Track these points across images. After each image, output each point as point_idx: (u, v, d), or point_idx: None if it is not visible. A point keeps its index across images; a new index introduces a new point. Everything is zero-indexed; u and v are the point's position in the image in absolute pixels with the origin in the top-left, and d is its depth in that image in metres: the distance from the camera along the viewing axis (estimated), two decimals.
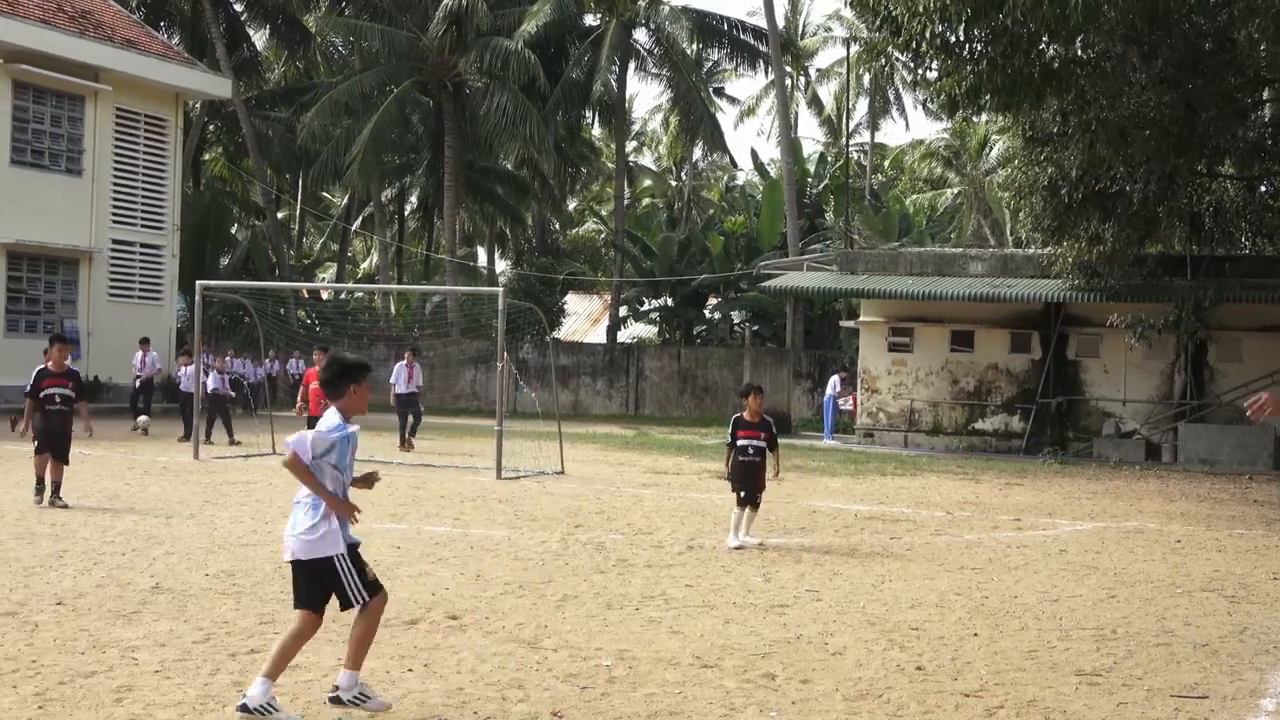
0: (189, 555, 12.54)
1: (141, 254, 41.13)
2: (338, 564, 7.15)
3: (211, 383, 28.99)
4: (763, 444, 14.53)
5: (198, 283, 26.49)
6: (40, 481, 16.16)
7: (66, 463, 16.39)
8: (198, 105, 51.82)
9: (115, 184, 40.11)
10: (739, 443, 14.54)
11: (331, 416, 7.28)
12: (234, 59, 52.35)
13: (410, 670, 8.29)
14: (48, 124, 38.35)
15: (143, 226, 41.13)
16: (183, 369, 30.08)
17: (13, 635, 8.85)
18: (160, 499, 17.33)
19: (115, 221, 40.16)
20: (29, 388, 16.26)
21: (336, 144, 52.16)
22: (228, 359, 34.27)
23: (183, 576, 11.37)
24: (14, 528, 14.00)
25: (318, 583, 7.19)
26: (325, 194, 70.71)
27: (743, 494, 14.43)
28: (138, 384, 31.69)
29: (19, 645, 8.56)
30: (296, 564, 7.20)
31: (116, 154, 40.13)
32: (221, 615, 9.75)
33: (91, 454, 23.80)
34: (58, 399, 16.25)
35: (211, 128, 59.63)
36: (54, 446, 16.15)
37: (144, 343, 31.92)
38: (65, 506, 15.78)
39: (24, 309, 38.11)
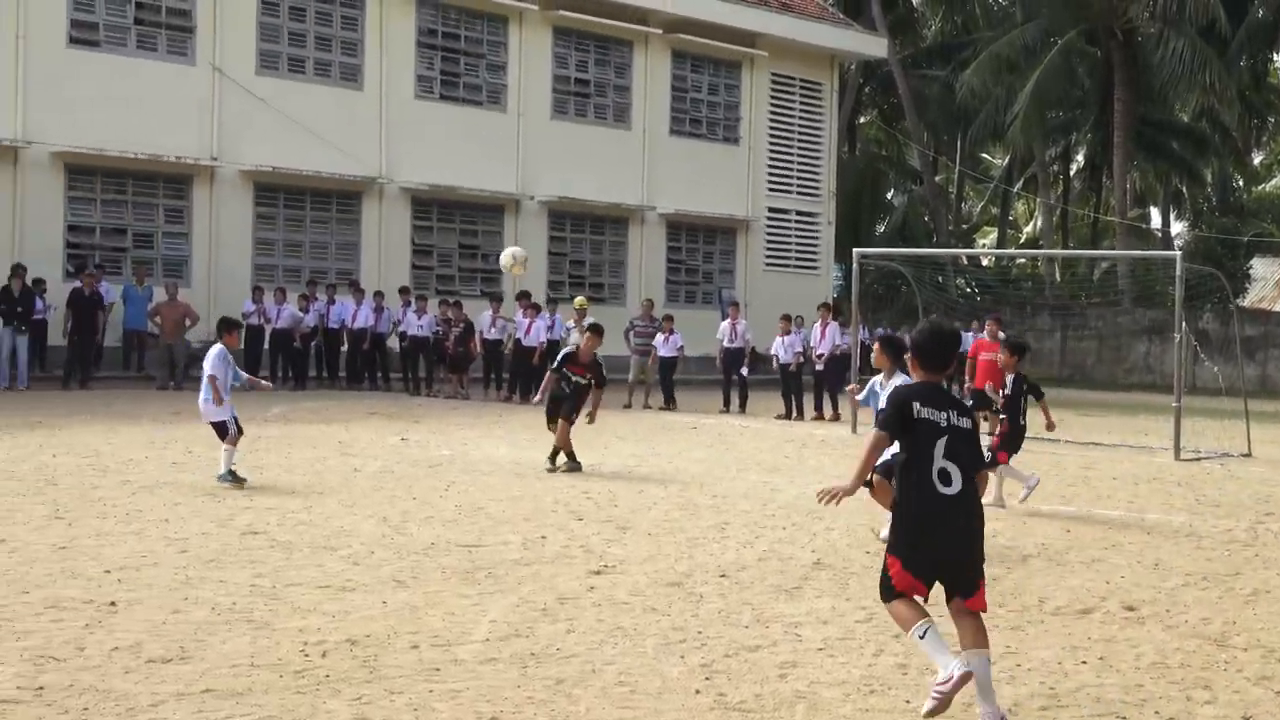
0: (851, 531, 12.06)
1: (797, 222, 40.91)
2: None
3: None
4: None
5: (854, 250, 25.73)
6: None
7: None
8: (853, 67, 51.36)
9: (771, 151, 40.12)
10: None
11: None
12: (889, 17, 51.75)
13: (1084, 662, 7.78)
14: (705, 93, 38.66)
15: (798, 194, 41.01)
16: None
17: (679, 606, 8.89)
18: (819, 472, 16.80)
19: (771, 189, 40.14)
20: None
21: (997, 101, 50.33)
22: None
23: (843, 553, 11.05)
24: (675, 499, 13.69)
25: None
26: (984, 155, 68.81)
27: None
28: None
29: (685, 616, 8.59)
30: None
31: (772, 120, 40.09)
32: None
33: (750, 426, 23.80)
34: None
35: (867, 90, 59.29)
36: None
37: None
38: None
39: (683, 279, 38.65)
